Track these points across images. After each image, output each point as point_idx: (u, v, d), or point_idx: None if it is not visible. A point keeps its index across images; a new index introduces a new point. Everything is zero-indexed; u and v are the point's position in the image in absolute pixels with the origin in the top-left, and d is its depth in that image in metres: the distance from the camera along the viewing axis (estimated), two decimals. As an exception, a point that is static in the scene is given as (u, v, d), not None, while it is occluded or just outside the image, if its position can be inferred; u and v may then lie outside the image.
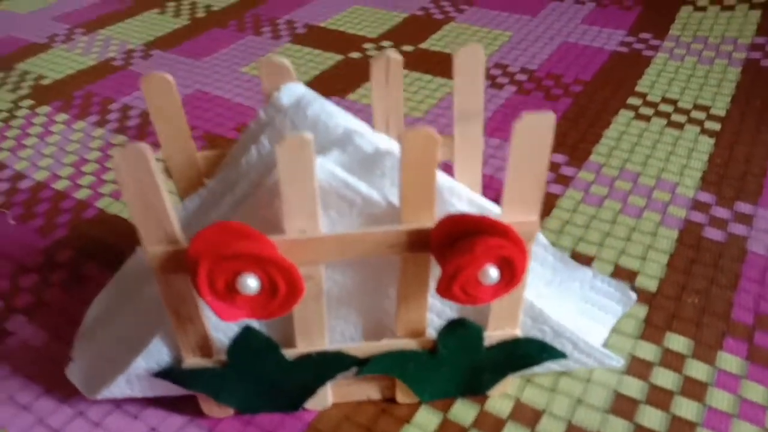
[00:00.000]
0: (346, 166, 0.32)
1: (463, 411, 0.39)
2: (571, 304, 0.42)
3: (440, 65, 0.79)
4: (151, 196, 0.28)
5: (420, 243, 0.32)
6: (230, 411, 0.39)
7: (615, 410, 0.39)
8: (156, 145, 0.65)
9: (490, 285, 0.31)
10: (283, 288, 0.30)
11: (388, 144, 0.34)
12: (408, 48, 0.84)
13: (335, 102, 0.72)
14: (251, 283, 0.29)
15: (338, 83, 0.76)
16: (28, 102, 0.75)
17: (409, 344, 0.37)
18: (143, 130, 0.68)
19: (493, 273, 0.30)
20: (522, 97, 0.72)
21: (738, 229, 0.52)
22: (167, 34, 0.91)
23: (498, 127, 0.66)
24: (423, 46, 0.84)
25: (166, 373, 0.37)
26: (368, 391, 0.40)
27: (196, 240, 0.29)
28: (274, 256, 0.29)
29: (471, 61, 0.36)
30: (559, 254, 0.40)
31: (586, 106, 0.69)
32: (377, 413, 0.39)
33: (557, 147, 0.63)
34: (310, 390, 0.38)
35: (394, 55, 0.35)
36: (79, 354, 0.41)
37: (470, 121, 0.38)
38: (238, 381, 0.37)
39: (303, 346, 0.36)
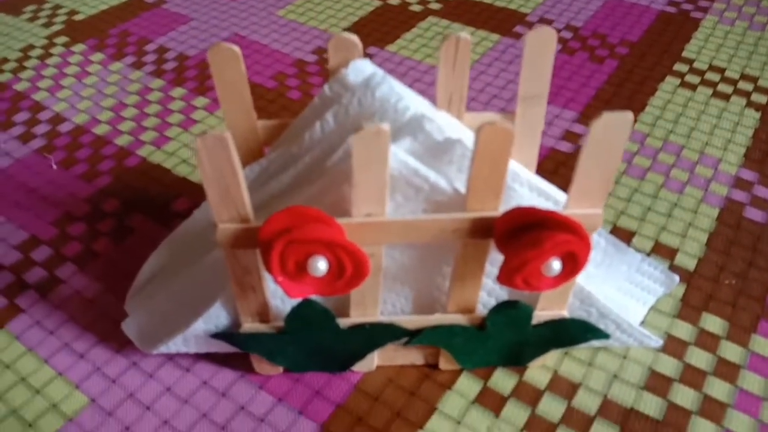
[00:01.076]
0: (416, 154, 0.32)
1: (503, 380, 0.41)
2: (614, 282, 0.43)
3: (481, 16, 0.77)
4: (228, 181, 0.29)
5: (483, 230, 0.32)
6: (280, 369, 0.41)
7: (649, 387, 0.40)
8: (195, 92, 0.65)
9: (552, 276, 0.31)
10: (349, 270, 0.31)
11: (458, 130, 0.33)
12: (449, -4, 0.81)
13: (374, 53, 0.71)
14: (321, 265, 0.30)
15: (376, 32, 0.74)
16: (63, 39, 0.73)
17: (458, 320, 0.38)
18: (180, 75, 0.67)
19: (556, 266, 0.30)
20: (566, 56, 0.70)
21: (779, 210, 0.52)
22: (199, -32, 0.88)
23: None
24: (464, -6, 0.81)
25: (223, 336, 0.38)
26: (412, 356, 0.41)
27: (269, 222, 0.30)
28: (345, 241, 0.29)
29: (542, 44, 0.35)
30: (612, 238, 0.40)
31: (632, 70, 0.68)
32: (420, 378, 0.41)
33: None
34: (359, 355, 0.39)
35: (464, 36, 0.35)
36: (133, 310, 0.43)
37: (534, 103, 0.37)
38: (292, 345, 0.38)
39: (356, 315, 0.37)
